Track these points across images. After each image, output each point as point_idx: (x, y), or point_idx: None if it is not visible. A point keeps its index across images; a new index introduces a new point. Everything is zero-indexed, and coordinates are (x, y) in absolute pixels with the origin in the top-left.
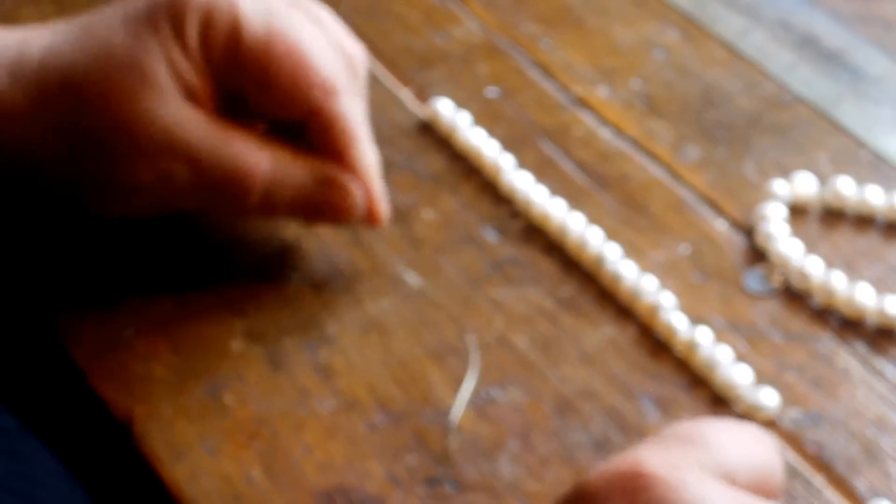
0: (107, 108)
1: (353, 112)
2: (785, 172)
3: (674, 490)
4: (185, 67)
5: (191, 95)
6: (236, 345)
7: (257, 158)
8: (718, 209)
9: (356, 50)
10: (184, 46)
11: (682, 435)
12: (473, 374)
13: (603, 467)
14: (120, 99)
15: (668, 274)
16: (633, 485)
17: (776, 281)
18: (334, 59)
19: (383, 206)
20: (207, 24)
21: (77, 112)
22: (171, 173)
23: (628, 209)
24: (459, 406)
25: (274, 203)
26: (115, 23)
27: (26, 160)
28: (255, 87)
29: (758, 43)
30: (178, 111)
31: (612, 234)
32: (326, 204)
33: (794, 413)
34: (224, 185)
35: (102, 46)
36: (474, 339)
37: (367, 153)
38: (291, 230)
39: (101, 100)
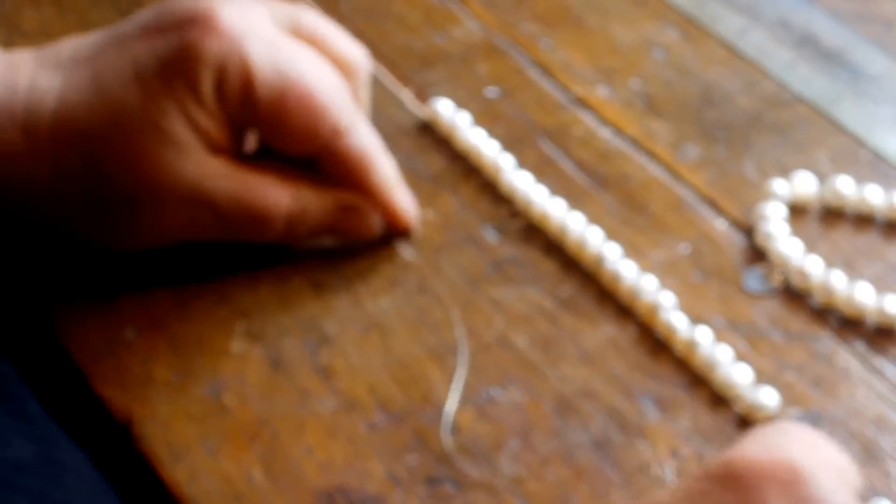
0: (129, 168)
1: (362, 143)
2: (784, 172)
3: (828, 493)
4: (203, 121)
5: (210, 146)
6: (236, 345)
7: (278, 196)
8: (718, 208)
9: (357, 55)
10: (200, 101)
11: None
12: (463, 363)
13: (752, 449)
14: (142, 158)
15: (668, 273)
16: (789, 478)
17: (776, 280)
18: (340, 93)
19: (409, 213)
20: (221, 77)
21: (98, 173)
22: (196, 220)
23: (628, 209)
24: (453, 397)
25: (296, 233)
26: (127, 79)
27: (46, 216)
28: (269, 132)
29: (757, 42)
30: (199, 164)
31: (611, 234)
32: (347, 228)
33: (793, 412)
34: (247, 224)
35: (118, 108)
36: (462, 327)
37: (381, 172)
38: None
39: (122, 160)
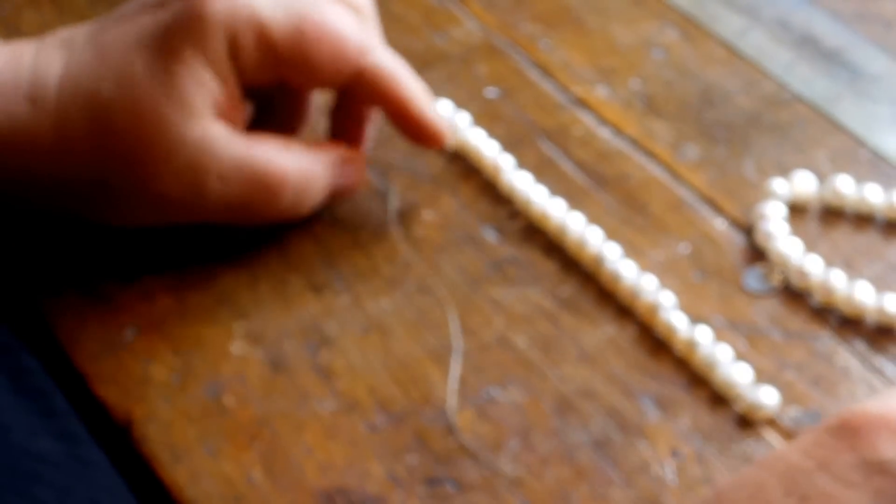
0: (136, 134)
1: (389, 58)
2: (784, 171)
3: None
4: (212, 85)
5: (219, 111)
6: (236, 346)
7: (283, 162)
8: (718, 208)
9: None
10: (211, 64)
11: None
12: (458, 353)
13: (871, 403)
14: (149, 124)
15: (668, 273)
16: None
17: (776, 280)
18: (352, 20)
19: (443, 126)
20: (234, 38)
21: (105, 139)
22: (202, 187)
23: (628, 209)
24: (452, 388)
25: (302, 202)
26: (131, 46)
27: (52, 186)
28: (297, 71)
29: (757, 42)
30: (204, 127)
31: (611, 234)
32: (344, 184)
33: (793, 411)
34: (255, 195)
35: (123, 74)
36: (456, 318)
37: (414, 86)
38: (291, 231)
39: (129, 126)
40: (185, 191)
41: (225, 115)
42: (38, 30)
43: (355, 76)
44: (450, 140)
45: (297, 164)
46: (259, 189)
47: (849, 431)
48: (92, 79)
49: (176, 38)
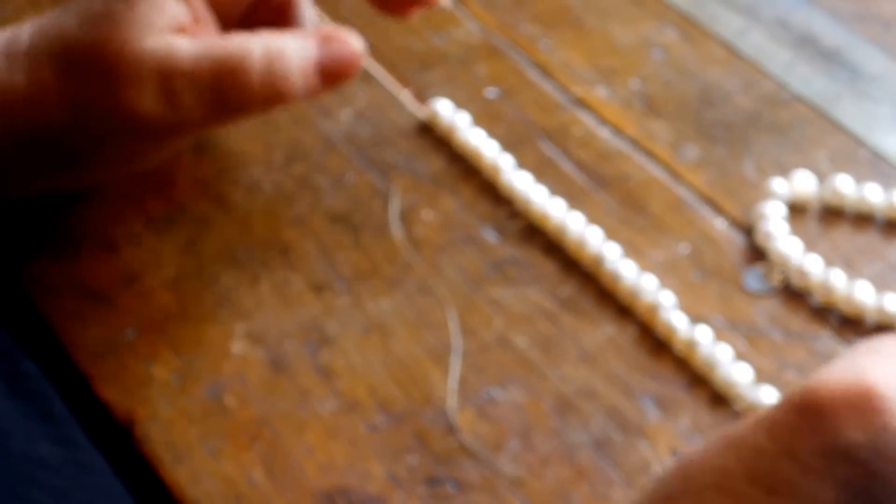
0: (99, 59)
1: None
2: (784, 171)
3: None
4: (172, 7)
5: (181, 30)
6: (237, 346)
7: (246, 41)
8: (718, 208)
9: None
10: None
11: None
12: (458, 353)
13: (827, 377)
14: (110, 45)
15: (668, 273)
16: (866, 405)
17: (775, 279)
18: None
19: None
20: None
21: (71, 74)
22: (172, 93)
23: (627, 209)
24: (452, 388)
25: (277, 81)
26: None
27: (30, 142)
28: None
29: (756, 42)
30: (167, 39)
31: (611, 234)
32: (334, 65)
33: None
34: (222, 80)
35: (85, 11)
36: (456, 318)
37: None
38: (291, 233)
39: (92, 54)
40: (156, 101)
41: (191, 33)
42: None
43: None
44: None
45: (262, 42)
46: (224, 72)
47: (813, 412)
48: (57, 24)
49: None
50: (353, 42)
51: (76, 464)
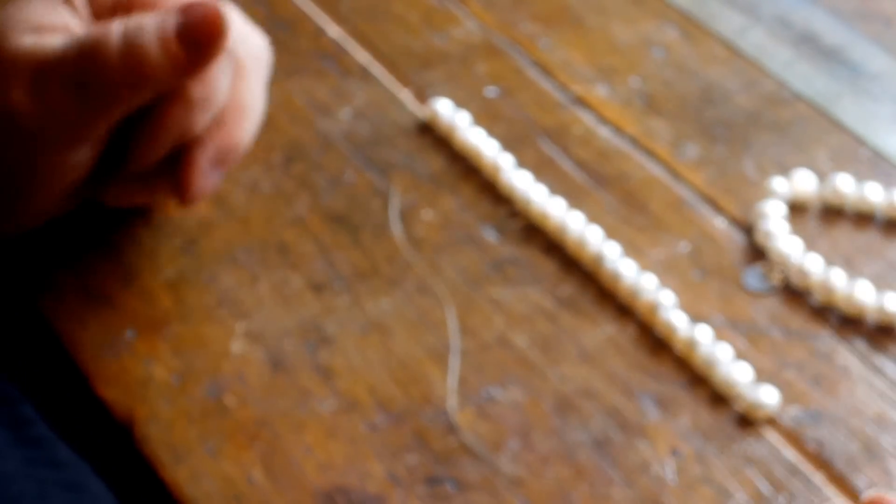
0: None
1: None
2: (784, 170)
3: None
4: (63, 13)
5: (58, 29)
6: (236, 346)
7: (108, 26)
8: (718, 207)
9: (259, 40)
10: (68, 3)
11: None
12: (458, 352)
13: None
14: None
15: (668, 272)
16: None
17: (776, 279)
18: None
19: (196, 188)
20: None
21: None
22: (43, 88)
23: (628, 208)
24: (452, 387)
25: (139, 55)
26: None
27: None
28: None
29: (757, 40)
30: (43, 38)
31: (611, 233)
32: (196, 24)
33: (793, 411)
34: (85, 64)
35: None
36: (456, 318)
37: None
38: (290, 232)
39: None
40: (27, 97)
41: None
42: None
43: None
44: (195, 200)
45: (121, 23)
46: (86, 57)
47: None
48: None
49: None
50: (212, 5)
51: (71, 487)
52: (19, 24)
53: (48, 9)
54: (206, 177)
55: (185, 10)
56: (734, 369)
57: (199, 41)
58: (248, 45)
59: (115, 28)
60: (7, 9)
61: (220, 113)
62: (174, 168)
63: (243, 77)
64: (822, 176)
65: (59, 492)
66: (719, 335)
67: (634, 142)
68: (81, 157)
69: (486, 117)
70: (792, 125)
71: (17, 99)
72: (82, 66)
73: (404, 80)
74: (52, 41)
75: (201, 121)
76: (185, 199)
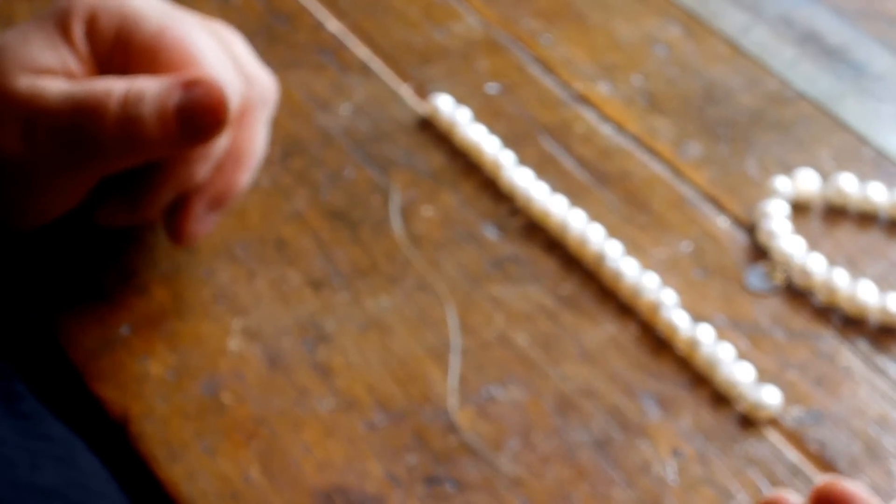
0: None
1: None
2: (787, 169)
3: None
4: (63, 54)
5: (65, 76)
6: (234, 343)
7: (108, 84)
8: (720, 206)
9: (266, 80)
10: (64, 35)
11: None
12: (458, 351)
13: None
14: None
15: (670, 271)
16: None
17: (778, 278)
18: (230, 70)
19: (190, 233)
20: (93, 22)
21: None
22: (34, 133)
23: (629, 206)
24: (452, 386)
25: (135, 123)
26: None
27: None
28: (148, 71)
29: (760, 39)
30: (39, 80)
31: (613, 232)
32: (196, 106)
33: (796, 411)
34: (80, 119)
35: None
36: (456, 316)
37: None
38: (289, 228)
39: None
40: (17, 139)
41: (66, 77)
42: None
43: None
44: (190, 244)
45: (124, 84)
46: (82, 112)
47: None
48: None
49: (43, 18)
50: (216, 90)
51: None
52: (17, 62)
53: (48, 47)
54: (201, 222)
55: (189, 88)
56: (736, 369)
57: (198, 125)
58: (254, 86)
59: (115, 92)
60: (7, 42)
61: (221, 159)
62: (171, 212)
63: (247, 124)
64: (825, 175)
65: (51, 463)
66: (721, 335)
67: (636, 140)
68: (70, 197)
69: (487, 114)
70: (795, 124)
71: (7, 140)
72: (77, 123)
73: (404, 76)
74: (50, 87)
75: (202, 172)
76: (181, 243)
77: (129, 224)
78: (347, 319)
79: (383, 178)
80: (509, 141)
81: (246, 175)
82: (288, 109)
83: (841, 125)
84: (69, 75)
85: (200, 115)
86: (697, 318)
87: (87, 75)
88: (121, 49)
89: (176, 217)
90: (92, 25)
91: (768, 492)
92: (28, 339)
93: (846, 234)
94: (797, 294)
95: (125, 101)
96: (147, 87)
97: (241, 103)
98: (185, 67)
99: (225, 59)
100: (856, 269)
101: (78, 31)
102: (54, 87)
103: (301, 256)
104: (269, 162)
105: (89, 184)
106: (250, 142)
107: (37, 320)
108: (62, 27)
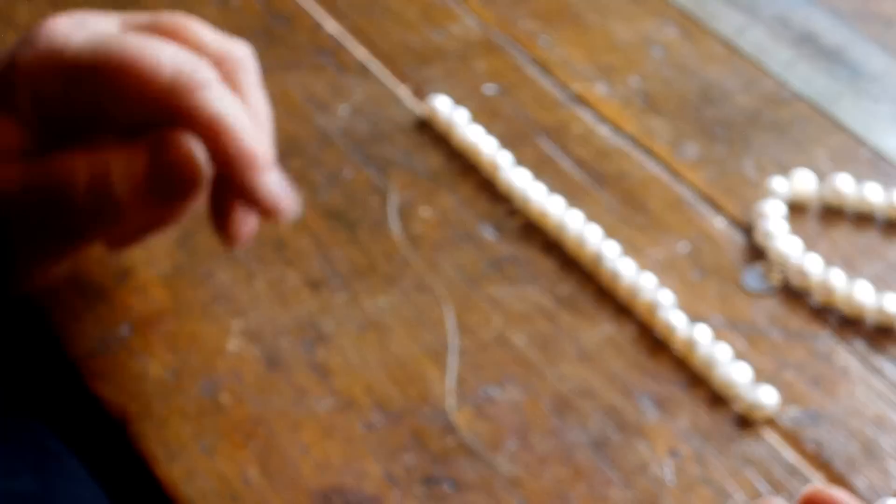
0: None
1: (216, 104)
2: (784, 170)
3: None
4: (12, 131)
5: (19, 153)
6: (233, 343)
7: (71, 159)
8: (717, 207)
9: (237, 49)
10: (12, 112)
11: None
12: (456, 351)
13: None
14: None
15: (667, 272)
16: None
17: (775, 279)
18: (180, 56)
19: (280, 197)
20: (39, 88)
21: None
22: (6, 217)
23: (627, 207)
24: (450, 387)
25: (109, 192)
26: None
27: None
28: (109, 102)
29: (756, 40)
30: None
31: (610, 232)
32: (167, 167)
33: (793, 411)
34: (44, 194)
35: None
36: (454, 316)
37: (249, 143)
38: (288, 229)
39: None
40: None
41: (12, 157)
42: (31, 22)
43: (180, 115)
44: (289, 212)
45: (91, 159)
46: (46, 188)
47: None
48: None
49: None
50: (186, 146)
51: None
52: None
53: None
54: (247, 224)
55: (158, 152)
56: (733, 370)
57: (172, 188)
58: (226, 60)
59: (80, 172)
60: None
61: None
62: (218, 221)
63: (244, 93)
64: (821, 176)
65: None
66: (718, 335)
67: (634, 141)
68: (62, 265)
69: (485, 115)
70: (792, 125)
71: None
72: (46, 208)
73: (402, 77)
74: (7, 173)
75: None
76: (237, 246)
77: (132, 245)
78: (346, 320)
79: (381, 178)
80: (507, 142)
81: (267, 138)
82: (286, 110)
83: (837, 126)
84: (21, 149)
85: (173, 178)
86: (694, 318)
87: (36, 143)
88: (75, 97)
89: (227, 227)
90: (37, 98)
91: (765, 492)
92: (26, 338)
93: (843, 235)
94: (794, 294)
95: (94, 171)
96: (115, 155)
97: (218, 78)
98: (133, 79)
99: (168, 48)
100: (853, 270)
101: (24, 102)
102: (13, 173)
103: (299, 257)
104: None
105: (77, 252)
106: (256, 106)
107: (36, 319)
108: (5, 102)
